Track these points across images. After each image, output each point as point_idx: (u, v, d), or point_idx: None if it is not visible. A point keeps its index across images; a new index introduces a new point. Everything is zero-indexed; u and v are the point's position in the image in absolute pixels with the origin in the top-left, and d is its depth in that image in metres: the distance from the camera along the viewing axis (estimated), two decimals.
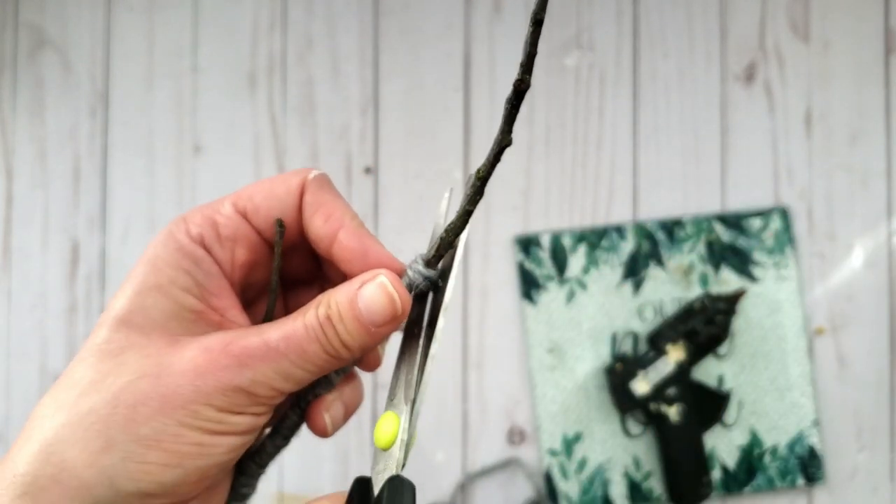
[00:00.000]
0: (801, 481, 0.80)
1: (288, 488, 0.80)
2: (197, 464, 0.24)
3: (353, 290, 0.25)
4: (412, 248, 0.82)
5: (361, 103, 0.83)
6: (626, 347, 0.80)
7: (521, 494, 0.80)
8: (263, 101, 0.84)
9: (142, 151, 0.84)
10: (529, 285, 0.81)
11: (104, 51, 0.85)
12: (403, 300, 0.26)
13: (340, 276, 0.28)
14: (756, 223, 0.81)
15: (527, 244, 0.81)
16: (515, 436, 0.80)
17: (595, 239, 0.81)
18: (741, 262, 0.81)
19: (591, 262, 0.81)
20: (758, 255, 0.81)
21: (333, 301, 0.25)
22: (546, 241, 0.81)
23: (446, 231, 0.28)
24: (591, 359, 0.80)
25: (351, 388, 0.30)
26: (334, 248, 0.27)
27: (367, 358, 0.30)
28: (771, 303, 0.80)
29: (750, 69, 0.83)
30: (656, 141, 0.83)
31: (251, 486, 0.29)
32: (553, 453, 0.79)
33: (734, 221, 0.81)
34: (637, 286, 0.81)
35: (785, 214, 0.81)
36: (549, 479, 0.79)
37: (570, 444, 0.79)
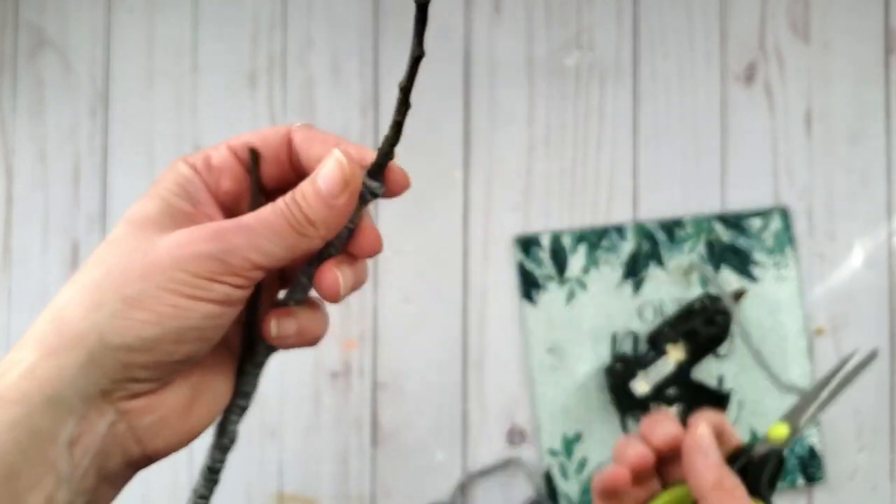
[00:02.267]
0: (801, 481, 0.80)
1: (288, 488, 0.80)
2: (174, 324, 0.27)
3: (313, 174, 0.30)
4: (413, 247, 0.82)
5: (361, 103, 0.83)
6: (626, 347, 0.80)
7: (521, 494, 0.80)
8: (263, 101, 0.84)
9: (142, 151, 0.84)
10: (529, 285, 0.81)
11: (104, 51, 0.85)
12: (352, 167, 0.30)
13: None
14: (756, 223, 0.81)
15: (527, 244, 0.81)
16: (515, 436, 0.80)
17: (595, 239, 0.81)
18: (741, 262, 0.81)
19: (591, 262, 0.81)
20: (758, 255, 0.81)
21: (298, 188, 0.29)
22: (546, 241, 0.81)
23: (383, 142, 0.31)
24: (591, 359, 0.80)
25: (311, 313, 0.33)
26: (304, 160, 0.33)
27: (325, 277, 0.32)
28: (771, 303, 0.80)
29: (750, 69, 0.83)
30: (656, 141, 0.83)
31: (247, 398, 0.33)
32: (553, 453, 0.79)
33: (734, 221, 0.81)
34: (637, 286, 0.81)
35: (785, 214, 0.82)
36: (549, 479, 0.79)
37: (570, 444, 0.79)
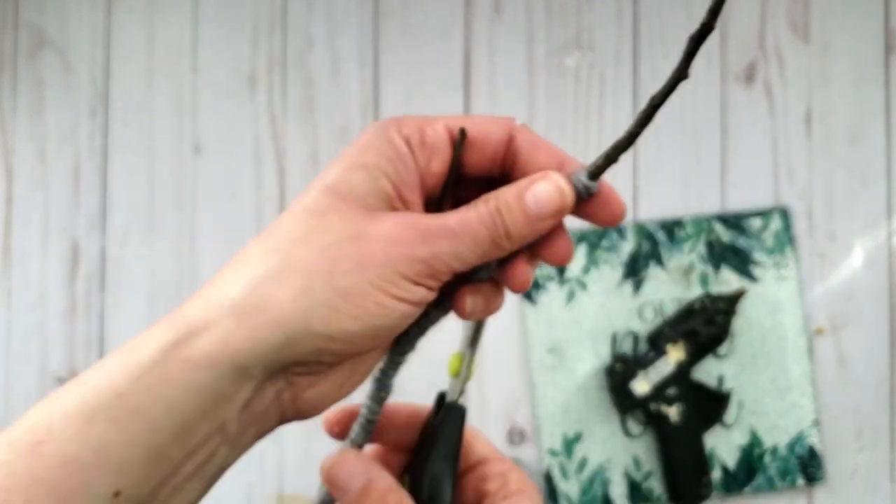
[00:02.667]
0: (801, 481, 0.80)
1: (288, 488, 0.80)
2: (375, 322, 0.28)
3: (521, 186, 0.29)
4: None
5: (361, 103, 0.83)
6: (626, 347, 0.80)
7: None
8: (263, 101, 0.84)
9: (142, 151, 0.84)
10: None
11: (104, 51, 0.85)
12: (570, 195, 0.30)
13: None
14: (756, 223, 0.81)
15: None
16: (515, 436, 0.80)
17: (595, 239, 0.81)
18: (741, 262, 0.81)
19: (591, 262, 0.81)
20: (758, 255, 0.81)
21: (502, 196, 0.29)
22: None
23: (612, 147, 0.31)
24: (591, 359, 0.80)
25: (495, 291, 0.33)
26: (521, 162, 0.32)
27: (517, 274, 0.32)
28: (771, 303, 0.80)
29: (750, 69, 0.83)
30: (656, 141, 0.83)
31: (404, 356, 0.34)
32: (553, 453, 0.79)
33: (734, 221, 0.81)
34: (637, 286, 0.81)
35: (785, 214, 0.82)
36: (549, 479, 0.79)
37: (570, 444, 0.79)
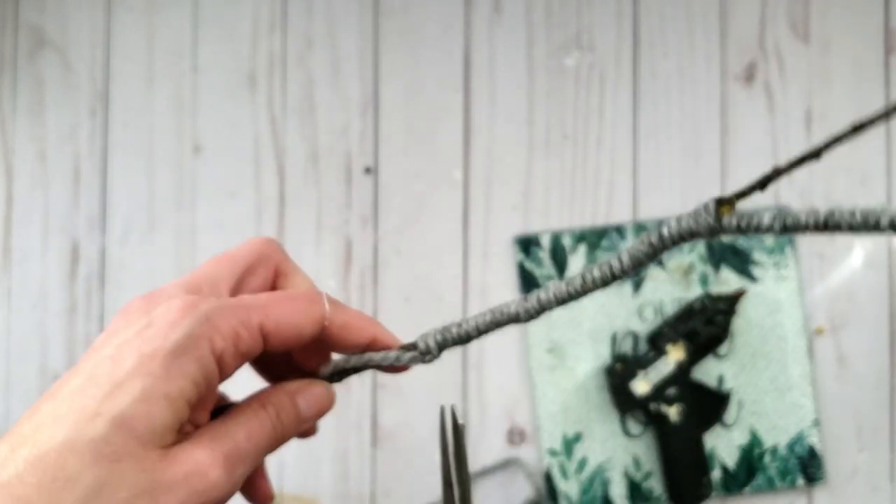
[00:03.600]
0: (801, 481, 0.80)
1: (288, 488, 0.80)
2: None
3: (293, 391, 0.30)
4: (411, 249, 0.82)
5: (361, 103, 0.83)
6: (626, 347, 0.80)
7: (521, 494, 0.80)
8: (263, 101, 0.84)
9: (142, 151, 0.84)
10: (529, 285, 0.81)
11: (104, 51, 0.85)
12: (332, 397, 0.32)
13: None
14: None
15: (527, 244, 0.81)
16: (515, 436, 0.80)
17: (595, 239, 0.81)
18: (741, 262, 0.81)
19: (591, 261, 0.81)
20: (758, 255, 0.81)
21: (279, 398, 0.30)
22: (546, 241, 0.81)
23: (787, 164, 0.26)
24: (591, 359, 0.80)
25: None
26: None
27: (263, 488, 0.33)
28: (771, 303, 0.80)
29: (750, 69, 0.83)
30: (656, 141, 0.83)
31: None
32: (553, 453, 0.79)
33: None
34: (637, 286, 0.81)
35: None
36: (549, 479, 0.79)
37: (570, 444, 0.79)
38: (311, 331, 0.29)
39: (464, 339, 0.32)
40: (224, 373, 0.27)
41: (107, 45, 0.85)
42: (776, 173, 0.26)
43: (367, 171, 0.83)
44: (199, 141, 0.84)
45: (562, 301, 0.29)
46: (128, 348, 0.25)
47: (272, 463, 0.80)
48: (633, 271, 0.28)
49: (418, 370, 0.87)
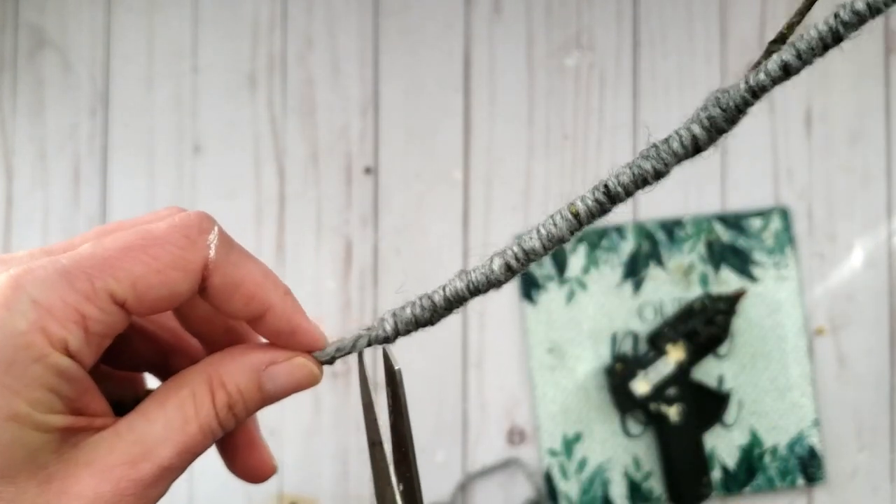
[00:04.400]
0: (801, 481, 0.80)
1: (288, 488, 0.80)
2: None
3: (257, 370, 0.23)
4: (411, 249, 0.82)
5: (361, 103, 0.83)
6: (626, 347, 0.80)
7: (521, 494, 0.80)
8: (263, 101, 0.84)
9: (142, 151, 0.84)
10: (529, 285, 0.81)
11: (104, 51, 0.85)
12: (317, 377, 0.25)
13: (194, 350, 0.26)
14: (756, 223, 0.81)
15: None
16: (515, 436, 0.80)
17: (595, 239, 0.81)
18: (741, 262, 0.81)
19: (591, 262, 0.81)
20: (758, 255, 0.81)
21: (234, 384, 0.23)
22: None
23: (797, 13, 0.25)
24: (591, 359, 0.80)
25: None
26: (259, 326, 0.24)
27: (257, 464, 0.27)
28: (771, 303, 0.80)
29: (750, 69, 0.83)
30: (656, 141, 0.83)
31: None
32: (553, 453, 0.79)
33: (734, 221, 0.81)
34: (637, 286, 0.81)
35: (785, 214, 0.82)
36: (549, 479, 0.79)
37: (570, 444, 0.79)
38: (188, 288, 0.22)
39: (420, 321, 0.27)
40: (85, 361, 0.21)
41: (107, 45, 0.85)
42: None
43: (367, 171, 0.83)
44: (199, 141, 0.84)
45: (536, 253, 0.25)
46: None
47: None
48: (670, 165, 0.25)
49: (418, 369, 0.87)
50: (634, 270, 0.81)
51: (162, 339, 0.26)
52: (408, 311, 0.27)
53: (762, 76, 0.24)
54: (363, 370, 0.26)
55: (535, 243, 0.25)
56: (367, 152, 0.83)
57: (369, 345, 0.26)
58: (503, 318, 0.81)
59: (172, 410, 0.22)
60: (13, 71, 0.85)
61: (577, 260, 0.81)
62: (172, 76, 0.84)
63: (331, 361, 0.26)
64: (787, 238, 0.81)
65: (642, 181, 0.26)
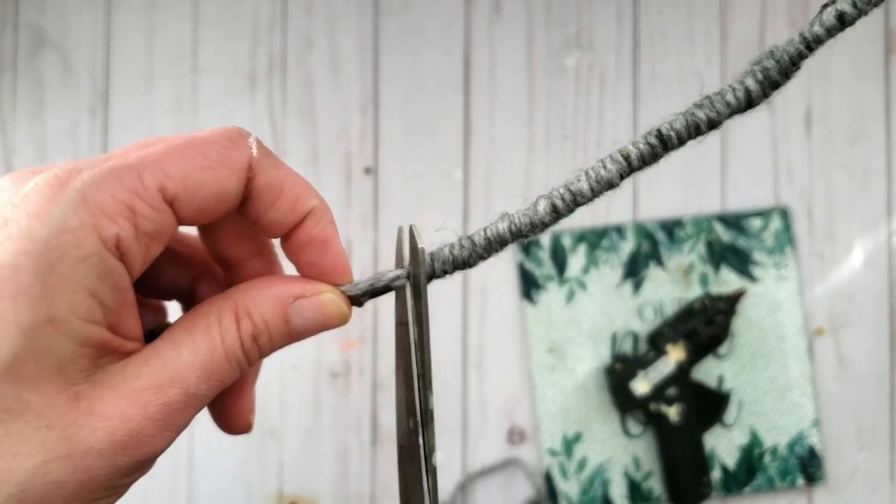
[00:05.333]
0: (801, 481, 0.80)
1: (288, 488, 0.80)
2: None
3: (284, 302, 0.22)
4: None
5: (361, 103, 0.83)
6: (626, 347, 0.80)
7: (521, 494, 0.80)
8: (263, 102, 0.84)
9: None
10: (529, 285, 0.81)
11: (104, 51, 0.85)
12: (346, 315, 0.24)
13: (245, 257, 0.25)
14: (756, 223, 0.81)
15: (527, 244, 0.81)
16: (515, 436, 0.80)
17: (595, 239, 0.81)
18: (741, 262, 0.81)
19: (591, 262, 0.81)
20: (758, 255, 0.81)
21: (259, 314, 0.22)
22: (546, 241, 0.81)
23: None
24: (591, 359, 0.80)
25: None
26: (295, 237, 0.23)
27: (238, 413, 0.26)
28: (771, 303, 0.80)
29: None
30: None
31: None
32: (553, 453, 0.79)
33: (734, 221, 0.81)
34: (637, 286, 0.81)
35: (785, 214, 0.82)
36: (549, 479, 0.79)
37: (570, 444, 0.79)
38: (235, 186, 0.21)
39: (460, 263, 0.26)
40: (133, 266, 0.20)
41: (107, 45, 0.85)
42: None
43: (367, 171, 0.83)
44: None
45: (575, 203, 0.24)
46: None
47: (271, 463, 0.80)
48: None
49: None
50: (634, 270, 0.81)
51: (192, 262, 0.26)
52: (446, 251, 0.26)
53: (817, 27, 0.23)
54: (407, 302, 0.25)
55: (583, 185, 0.25)
56: (367, 152, 0.83)
57: (403, 285, 0.25)
58: (503, 318, 0.81)
59: (199, 336, 0.21)
60: (13, 71, 0.85)
61: (577, 260, 0.81)
62: (172, 76, 0.84)
63: (360, 302, 0.25)
64: (787, 238, 0.81)
65: (695, 129, 0.25)
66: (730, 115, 0.25)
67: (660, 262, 0.81)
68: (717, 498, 0.79)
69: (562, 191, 0.24)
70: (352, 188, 0.83)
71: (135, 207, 0.19)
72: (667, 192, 0.82)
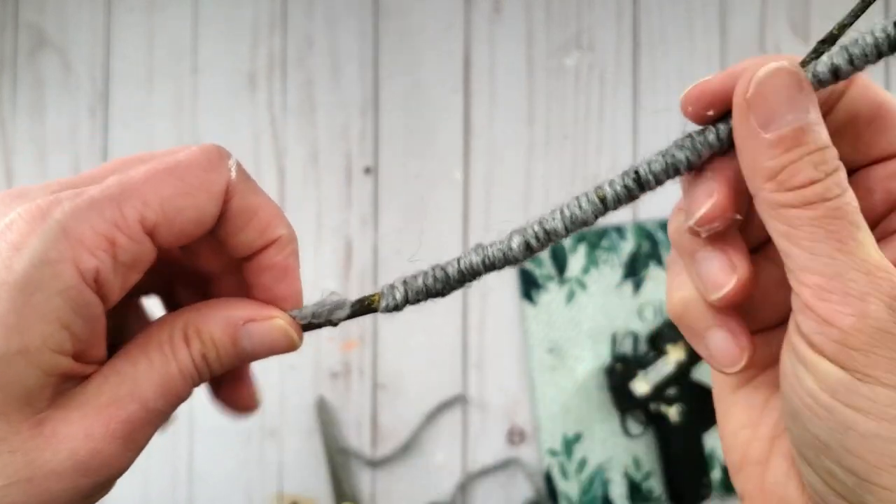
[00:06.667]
0: None
1: (288, 488, 0.80)
2: None
3: (234, 324, 0.23)
4: (412, 247, 0.82)
5: (361, 103, 0.83)
6: (626, 347, 0.80)
7: (521, 494, 0.80)
8: (263, 102, 0.84)
9: (142, 151, 0.84)
10: (529, 285, 0.81)
11: (104, 51, 0.85)
12: (295, 342, 0.24)
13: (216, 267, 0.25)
14: None
15: None
16: (515, 436, 0.80)
17: (595, 239, 0.81)
18: None
19: (591, 262, 0.81)
20: None
21: (208, 334, 0.22)
22: None
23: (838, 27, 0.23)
24: (591, 359, 0.80)
25: None
26: (258, 260, 0.23)
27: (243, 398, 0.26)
28: None
29: None
30: (656, 141, 0.83)
31: None
32: (553, 453, 0.79)
33: None
34: (637, 286, 0.81)
35: None
36: (549, 479, 0.79)
37: (570, 444, 0.79)
38: (213, 210, 0.22)
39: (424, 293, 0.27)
40: (110, 296, 0.20)
41: (107, 45, 0.85)
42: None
43: (367, 171, 0.83)
44: (199, 141, 0.84)
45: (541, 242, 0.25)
46: None
47: (271, 463, 0.80)
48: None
49: (418, 369, 0.87)
50: (634, 270, 0.81)
51: (170, 267, 0.26)
52: (419, 280, 0.27)
53: (810, 76, 0.23)
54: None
55: (557, 224, 0.24)
56: (366, 152, 0.83)
57: (363, 313, 0.26)
58: (503, 318, 0.81)
59: (153, 353, 0.22)
60: (13, 71, 0.85)
61: (577, 260, 0.81)
62: (172, 76, 0.84)
63: (310, 327, 0.25)
64: None
65: (674, 170, 0.25)
66: (710, 157, 0.24)
67: (660, 262, 0.81)
68: (717, 498, 0.79)
69: (536, 228, 0.24)
70: (352, 188, 0.83)
71: (115, 240, 0.20)
72: (667, 191, 0.82)
